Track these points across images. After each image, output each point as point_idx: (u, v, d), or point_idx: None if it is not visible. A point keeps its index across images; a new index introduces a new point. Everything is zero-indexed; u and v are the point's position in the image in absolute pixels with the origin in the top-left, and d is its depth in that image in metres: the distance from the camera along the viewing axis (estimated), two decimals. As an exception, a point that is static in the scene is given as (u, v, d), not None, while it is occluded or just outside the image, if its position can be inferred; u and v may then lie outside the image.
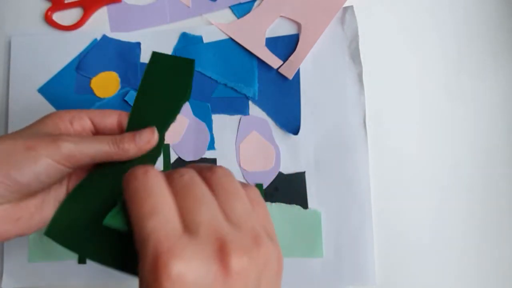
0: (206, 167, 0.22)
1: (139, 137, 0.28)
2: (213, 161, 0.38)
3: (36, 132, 0.27)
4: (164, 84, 0.30)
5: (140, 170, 0.20)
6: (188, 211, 0.19)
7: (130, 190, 0.19)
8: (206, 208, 0.19)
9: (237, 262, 0.17)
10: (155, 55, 0.31)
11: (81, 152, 0.26)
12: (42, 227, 0.28)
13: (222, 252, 0.18)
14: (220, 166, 0.22)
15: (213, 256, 0.17)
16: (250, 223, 0.20)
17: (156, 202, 0.19)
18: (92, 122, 0.29)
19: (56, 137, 0.26)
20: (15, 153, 0.25)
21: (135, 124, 0.29)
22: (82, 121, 0.28)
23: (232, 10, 0.39)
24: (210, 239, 0.18)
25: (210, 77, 0.39)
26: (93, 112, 0.29)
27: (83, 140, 0.26)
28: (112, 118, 0.29)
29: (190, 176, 0.20)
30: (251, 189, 0.22)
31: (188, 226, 0.18)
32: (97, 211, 0.27)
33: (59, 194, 0.29)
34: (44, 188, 0.27)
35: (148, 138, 0.28)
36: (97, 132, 0.30)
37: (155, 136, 0.28)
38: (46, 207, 0.28)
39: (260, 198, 0.22)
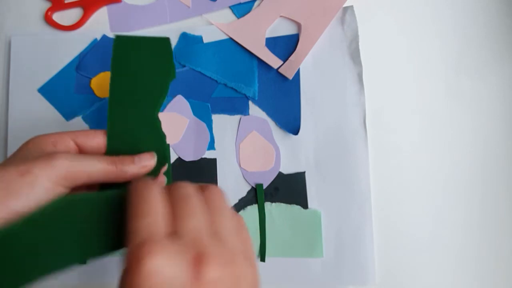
0: (203, 185, 0.24)
1: (139, 159, 0.27)
2: (213, 161, 0.38)
3: (26, 156, 0.25)
4: (141, 68, 0.30)
5: (143, 180, 0.23)
6: (179, 218, 0.21)
7: (131, 195, 0.22)
8: (196, 219, 0.21)
9: (210, 272, 0.19)
10: (119, 39, 0.29)
11: (78, 170, 0.25)
12: None
13: (198, 261, 0.19)
14: (215, 186, 0.24)
15: (189, 262, 0.18)
16: (232, 242, 0.21)
17: (149, 206, 0.21)
18: (76, 144, 0.28)
19: (50, 155, 0.24)
20: (9, 181, 0.23)
21: (117, 113, 0.29)
22: (66, 142, 0.27)
23: (232, 10, 0.39)
24: (190, 247, 0.19)
25: (210, 77, 0.39)
26: (75, 133, 0.28)
27: (79, 157, 0.25)
28: (98, 139, 0.28)
29: (188, 188, 0.23)
30: (238, 215, 0.24)
31: (175, 232, 0.20)
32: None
33: None
34: None
35: (147, 161, 0.28)
36: (82, 153, 0.28)
37: (155, 159, 0.28)
38: None
39: (245, 225, 0.24)
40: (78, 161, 0.25)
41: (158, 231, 0.19)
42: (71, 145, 0.28)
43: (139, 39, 0.30)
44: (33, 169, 0.23)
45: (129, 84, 0.29)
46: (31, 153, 0.26)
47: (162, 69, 0.30)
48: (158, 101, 0.29)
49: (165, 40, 0.30)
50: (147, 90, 0.29)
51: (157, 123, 0.29)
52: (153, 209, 0.21)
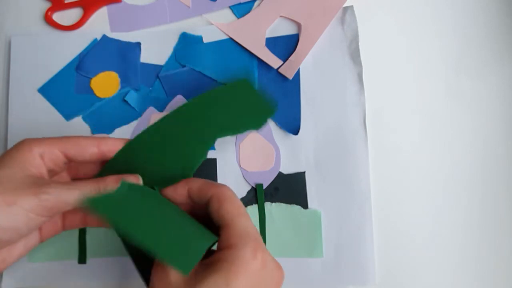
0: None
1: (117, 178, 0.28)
2: (213, 161, 0.38)
3: (12, 177, 0.26)
4: (229, 115, 0.31)
5: (228, 187, 0.28)
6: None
7: (230, 197, 0.27)
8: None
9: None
10: (245, 84, 0.32)
11: (64, 203, 0.26)
12: (11, 264, 0.28)
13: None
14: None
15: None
16: None
17: (245, 209, 0.28)
18: (66, 156, 0.28)
19: (37, 190, 0.25)
20: None
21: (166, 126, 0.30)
22: (53, 155, 0.27)
23: (232, 10, 0.39)
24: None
25: (210, 77, 0.39)
26: (67, 143, 0.28)
27: (65, 191, 0.26)
28: (91, 151, 0.28)
29: None
30: None
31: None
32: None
33: (29, 236, 0.29)
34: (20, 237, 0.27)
35: (133, 182, 0.28)
36: (72, 162, 0.29)
37: (140, 182, 0.29)
38: (17, 248, 0.28)
39: None
40: (64, 195, 0.26)
41: (257, 232, 0.26)
42: (59, 158, 0.28)
43: (257, 95, 0.33)
44: (19, 201, 0.24)
45: (208, 114, 0.31)
46: (16, 165, 0.26)
47: (241, 127, 0.32)
48: (208, 147, 0.32)
49: (274, 106, 0.35)
50: (217, 131, 0.31)
51: (204, 155, 0.31)
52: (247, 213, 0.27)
